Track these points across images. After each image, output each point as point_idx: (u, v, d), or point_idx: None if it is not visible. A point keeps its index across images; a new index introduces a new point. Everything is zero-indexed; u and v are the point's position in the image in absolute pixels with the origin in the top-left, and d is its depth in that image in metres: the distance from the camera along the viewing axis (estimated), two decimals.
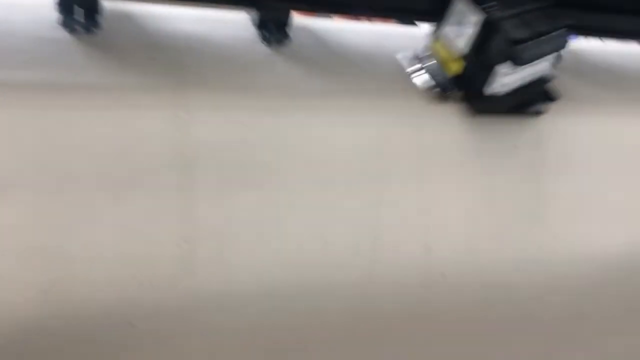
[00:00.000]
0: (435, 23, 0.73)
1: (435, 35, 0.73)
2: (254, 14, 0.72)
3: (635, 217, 0.83)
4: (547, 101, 0.75)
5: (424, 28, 0.78)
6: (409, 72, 0.73)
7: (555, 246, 0.78)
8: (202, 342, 0.64)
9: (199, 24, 0.72)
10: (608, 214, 0.81)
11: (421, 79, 0.72)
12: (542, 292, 0.80)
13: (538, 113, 0.75)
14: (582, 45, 0.88)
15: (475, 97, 0.71)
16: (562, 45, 0.70)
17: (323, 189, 0.67)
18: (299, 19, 0.76)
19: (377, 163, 0.69)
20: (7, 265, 0.57)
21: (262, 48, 0.72)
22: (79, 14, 0.66)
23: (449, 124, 0.72)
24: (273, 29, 0.73)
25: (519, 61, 0.67)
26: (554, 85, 0.74)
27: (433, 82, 0.71)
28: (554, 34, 0.68)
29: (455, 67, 0.70)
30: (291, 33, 0.73)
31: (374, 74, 0.75)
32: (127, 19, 0.70)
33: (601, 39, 0.90)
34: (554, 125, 0.77)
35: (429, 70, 0.72)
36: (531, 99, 0.74)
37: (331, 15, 0.82)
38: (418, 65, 0.73)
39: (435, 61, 0.72)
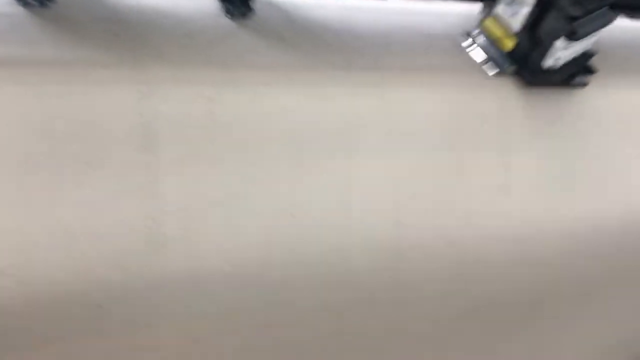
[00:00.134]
0: (485, 2, 0.79)
1: (487, 14, 0.78)
2: None
3: None
4: (588, 74, 0.81)
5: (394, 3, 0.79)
6: (464, 46, 0.79)
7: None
8: (172, 320, 0.63)
9: None
10: None
11: (477, 53, 0.78)
12: (517, 263, 0.81)
13: (583, 85, 0.81)
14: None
15: (530, 70, 0.77)
16: (609, 21, 0.75)
17: (292, 164, 0.66)
18: None
19: (346, 136, 0.69)
20: None
21: (225, 21, 0.70)
22: None
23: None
24: (237, 2, 0.71)
25: (575, 37, 0.72)
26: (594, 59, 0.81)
27: (488, 57, 0.78)
28: (601, 11, 0.73)
29: (510, 44, 0.76)
30: (255, 7, 0.72)
31: (341, 48, 0.74)
32: None
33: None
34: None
35: (482, 46, 0.78)
36: (576, 72, 0.80)
37: None
38: (470, 41, 0.79)
39: (486, 37, 0.78)
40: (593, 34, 0.75)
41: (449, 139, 0.75)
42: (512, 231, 0.78)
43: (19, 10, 0.62)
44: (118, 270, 0.59)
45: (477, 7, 0.81)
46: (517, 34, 0.76)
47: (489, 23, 0.78)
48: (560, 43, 0.73)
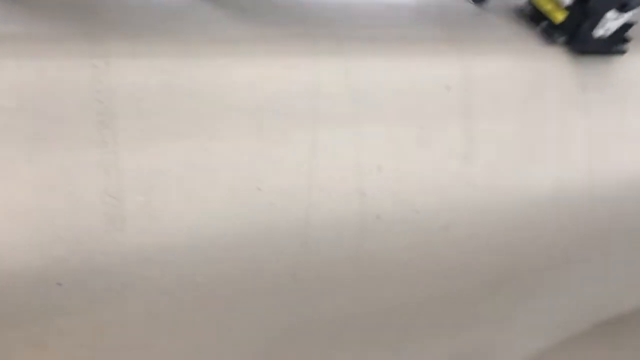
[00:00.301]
0: None
1: None
2: None
3: None
4: (625, 42, 0.90)
5: None
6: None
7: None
8: (136, 297, 0.62)
9: None
10: None
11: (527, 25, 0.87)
12: (480, 232, 0.83)
13: (622, 52, 0.91)
14: None
15: (580, 40, 0.86)
16: None
17: (255, 136, 0.66)
18: None
19: (310, 108, 0.68)
20: None
21: None
22: None
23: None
24: None
25: (626, 8, 0.81)
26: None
27: (540, 29, 0.87)
28: None
29: (560, 17, 0.84)
30: None
31: (303, 18, 0.73)
32: None
33: None
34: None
35: (533, 19, 0.87)
36: (617, 41, 0.89)
37: None
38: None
39: (536, 9, 0.87)
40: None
41: (412, 109, 0.75)
42: (476, 199, 0.79)
43: None
44: (78, 247, 0.58)
45: None
46: (568, 7, 0.83)
47: None
48: (611, 14, 0.82)
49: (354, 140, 0.71)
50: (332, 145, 0.70)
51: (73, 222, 0.58)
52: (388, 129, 0.73)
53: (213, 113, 0.63)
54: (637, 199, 0.97)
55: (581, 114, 0.89)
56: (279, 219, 0.68)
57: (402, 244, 0.76)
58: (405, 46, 0.76)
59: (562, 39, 0.86)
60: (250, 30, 0.69)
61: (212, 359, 0.74)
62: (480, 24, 0.86)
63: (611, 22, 0.84)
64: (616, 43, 0.90)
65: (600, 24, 0.84)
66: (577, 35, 0.85)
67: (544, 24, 0.86)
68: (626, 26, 0.88)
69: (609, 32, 0.86)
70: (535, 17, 0.87)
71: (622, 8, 0.82)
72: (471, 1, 0.89)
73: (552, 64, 0.86)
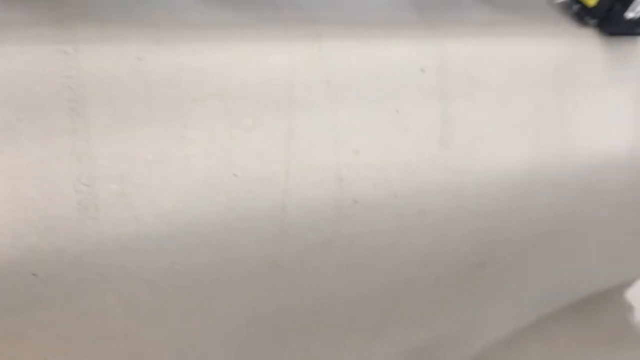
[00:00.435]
0: None
1: None
2: None
3: None
4: None
5: None
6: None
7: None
8: (112, 286, 0.62)
9: None
10: None
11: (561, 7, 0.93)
12: (454, 216, 0.83)
13: None
14: None
15: (612, 22, 0.91)
16: None
17: (229, 122, 0.65)
18: None
19: (284, 92, 0.68)
20: None
21: None
22: None
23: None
24: None
25: None
26: None
27: (572, 12, 0.93)
28: None
29: (592, 1, 0.89)
30: None
31: (276, 3, 0.72)
32: None
33: None
34: None
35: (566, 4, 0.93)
36: None
37: None
38: None
39: None
40: None
41: (388, 92, 0.75)
42: (453, 183, 0.80)
43: None
44: (51, 237, 0.58)
45: None
46: None
47: None
48: None
49: (330, 125, 0.71)
50: (308, 130, 0.70)
51: (46, 211, 0.57)
52: (364, 113, 0.73)
53: (186, 99, 0.63)
54: (611, 179, 0.99)
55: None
56: (256, 205, 0.67)
57: (380, 228, 0.76)
58: (381, 29, 0.76)
59: (593, 21, 0.92)
60: (223, 15, 0.68)
61: (192, 346, 0.74)
62: (457, 6, 0.86)
63: None
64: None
65: (632, 6, 0.89)
66: (608, 18, 0.91)
67: (576, 7, 0.93)
68: None
69: (639, 15, 0.91)
70: (568, 2, 0.94)
71: None
72: None
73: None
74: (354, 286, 0.82)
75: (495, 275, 0.98)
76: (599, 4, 0.89)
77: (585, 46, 0.93)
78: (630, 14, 0.91)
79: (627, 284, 1.45)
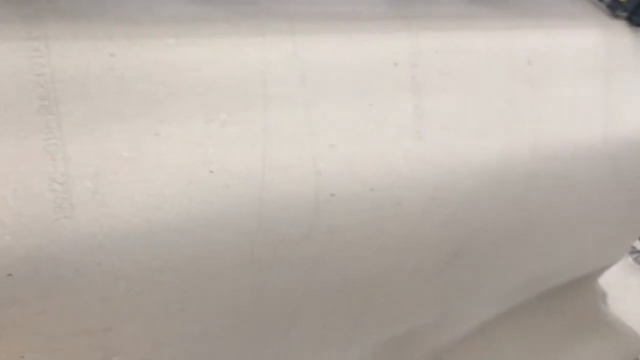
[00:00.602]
0: None
1: None
2: None
3: None
4: None
5: None
6: None
7: None
8: (89, 283, 0.62)
9: None
10: None
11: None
12: (429, 206, 0.84)
13: None
14: None
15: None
16: None
17: (204, 118, 0.65)
18: None
19: (259, 87, 0.68)
20: None
21: None
22: None
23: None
24: None
25: None
26: None
27: (605, 4, 1.04)
28: None
29: None
30: None
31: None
32: None
33: None
34: None
35: None
36: None
37: None
38: None
39: None
40: None
41: (363, 86, 0.75)
42: (427, 176, 0.81)
43: None
44: (26, 237, 0.57)
45: None
46: None
47: None
48: None
49: (306, 120, 0.71)
50: (284, 125, 0.70)
51: (21, 211, 0.57)
52: (339, 108, 0.74)
53: (161, 95, 0.63)
54: (582, 172, 1.01)
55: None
56: (234, 201, 0.68)
57: (357, 220, 0.77)
58: (355, 24, 0.76)
59: (624, 14, 1.04)
60: (197, 9, 0.68)
61: (171, 339, 0.75)
62: (430, 1, 0.87)
63: None
64: None
65: None
66: (637, 11, 1.03)
67: (608, 1, 1.04)
68: None
69: None
70: None
71: None
72: None
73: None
74: (332, 278, 0.83)
75: (469, 265, 1.00)
76: None
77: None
78: None
79: (601, 270, 1.48)
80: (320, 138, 0.73)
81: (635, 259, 1.91)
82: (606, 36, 1.03)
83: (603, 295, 1.54)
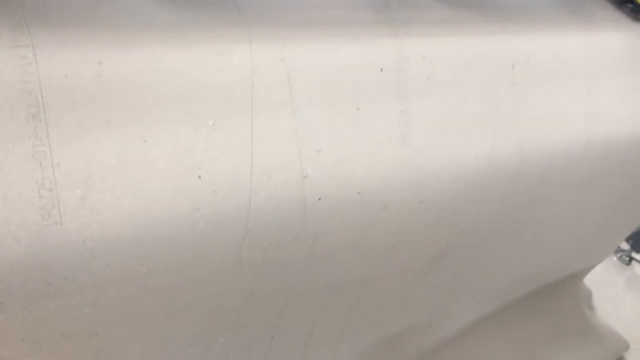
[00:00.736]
0: None
1: None
2: None
3: None
4: None
5: None
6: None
7: None
8: (78, 289, 0.62)
9: None
10: None
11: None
12: (415, 209, 0.86)
13: None
14: None
15: None
16: None
17: (192, 124, 0.66)
18: None
19: (246, 93, 0.69)
20: None
21: None
22: None
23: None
24: None
25: None
26: None
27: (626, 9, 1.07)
28: None
29: None
30: None
31: (236, 3, 0.73)
32: None
33: None
34: None
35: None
36: None
37: None
38: None
39: None
40: None
41: (349, 91, 0.76)
42: (413, 179, 0.82)
43: None
44: (14, 244, 0.57)
45: None
46: None
47: None
48: None
49: (292, 125, 0.72)
50: (271, 130, 0.71)
51: (8, 218, 0.57)
52: (326, 113, 0.75)
53: (148, 102, 0.63)
54: (564, 172, 1.03)
55: None
56: (222, 206, 0.68)
57: (345, 224, 0.78)
58: (341, 30, 0.77)
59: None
60: (183, 16, 0.68)
61: (159, 343, 0.75)
62: (416, 6, 0.88)
63: None
64: None
65: None
66: None
67: (630, 6, 1.06)
68: None
69: None
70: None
71: None
72: None
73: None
74: (320, 281, 0.83)
75: (456, 266, 1.01)
76: None
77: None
78: None
79: (586, 270, 1.50)
80: (307, 143, 0.73)
81: (619, 258, 1.94)
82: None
83: (588, 294, 1.56)
